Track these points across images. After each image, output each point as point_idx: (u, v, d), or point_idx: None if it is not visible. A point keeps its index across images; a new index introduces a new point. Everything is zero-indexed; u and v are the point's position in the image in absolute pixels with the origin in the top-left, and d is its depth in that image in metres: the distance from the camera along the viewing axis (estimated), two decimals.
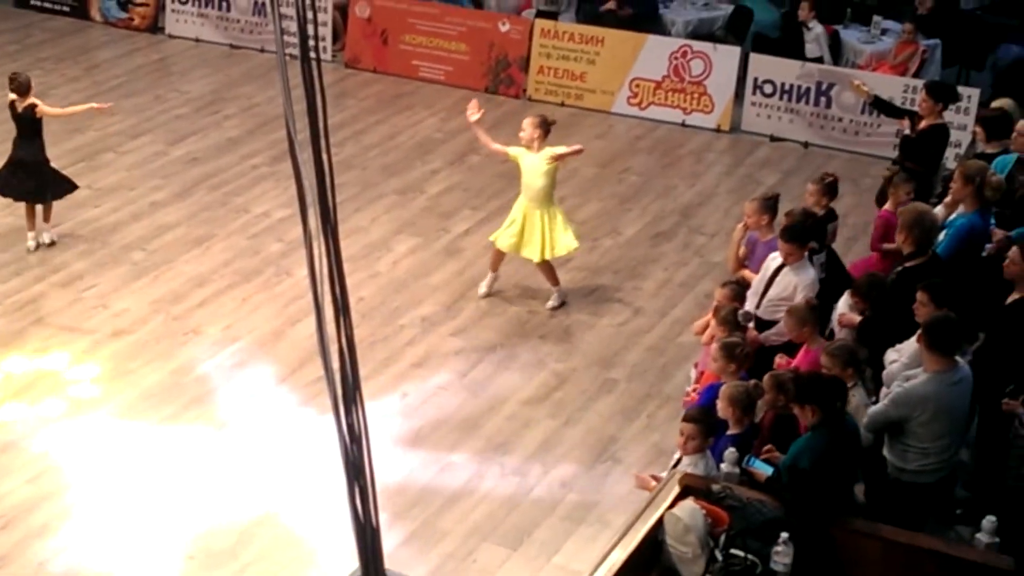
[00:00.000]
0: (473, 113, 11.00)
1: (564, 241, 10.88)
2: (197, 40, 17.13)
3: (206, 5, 17.11)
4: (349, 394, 4.66)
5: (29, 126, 11.44)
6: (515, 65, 15.75)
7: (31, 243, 11.66)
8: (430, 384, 10.09)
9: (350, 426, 4.67)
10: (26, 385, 9.84)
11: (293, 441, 9.34)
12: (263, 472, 9.05)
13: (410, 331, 10.78)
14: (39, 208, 11.70)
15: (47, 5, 17.90)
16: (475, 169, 13.78)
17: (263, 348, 10.47)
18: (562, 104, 15.48)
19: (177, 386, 9.94)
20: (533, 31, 15.66)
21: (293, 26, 4.68)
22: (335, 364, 4.64)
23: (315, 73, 4.52)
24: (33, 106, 11.38)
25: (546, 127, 10.80)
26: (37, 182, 11.55)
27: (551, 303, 11.14)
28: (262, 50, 16.74)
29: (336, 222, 4.67)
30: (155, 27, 17.44)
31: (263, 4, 16.75)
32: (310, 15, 4.61)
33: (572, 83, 15.53)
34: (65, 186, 11.80)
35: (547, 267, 11.05)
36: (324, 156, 4.60)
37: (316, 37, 4.19)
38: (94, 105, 12.09)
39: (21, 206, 11.80)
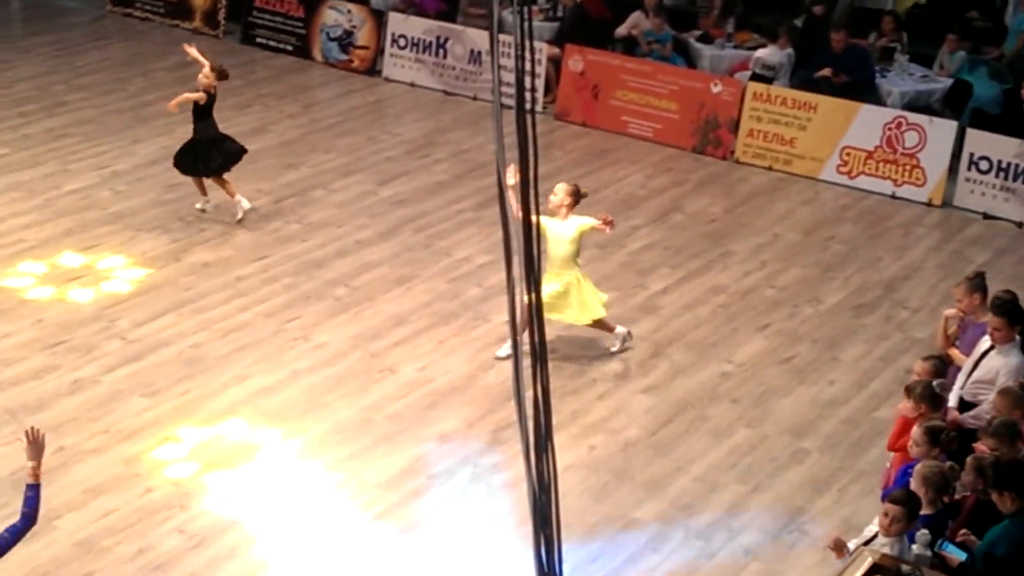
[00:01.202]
0: (511, 178, 10.91)
1: (598, 299, 10.92)
2: (412, 85, 17.50)
3: (423, 51, 17.49)
4: (541, 443, 4.66)
5: (202, 108, 12.85)
6: (724, 127, 15.67)
7: (201, 206, 13.26)
8: (618, 440, 10.04)
9: (539, 475, 4.66)
10: (225, 409, 10.13)
11: (479, 486, 9.39)
12: (448, 514, 9.12)
13: (602, 385, 10.76)
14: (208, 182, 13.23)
15: (272, 43, 18.54)
16: (677, 228, 13.73)
17: (455, 391, 10.57)
18: (769, 168, 15.34)
19: (369, 422, 10.10)
20: (745, 93, 15.56)
21: (508, 76, 4.74)
22: (528, 412, 4.65)
23: (529, 124, 4.57)
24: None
25: (577, 196, 10.74)
26: (214, 158, 12.97)
27: (614, 347, 11.17)
28: (475, 98, 17.03)
29: (540, 272, 4.70)
30: (373, 70, 17.89)
31: (479, 53, 17.04)
32: (528, 67, 4.65)
33: (781, 148, 15.37)
34: (237, 151, 13.11)
35: (600, 324, 11.01)
36: (532, 205, 4.63)
37: (532, 88, 4.22)
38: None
39: (238, 239, 12.61)
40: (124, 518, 8.83)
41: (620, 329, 11.19)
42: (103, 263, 12.21)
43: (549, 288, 10.55)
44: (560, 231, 10.70)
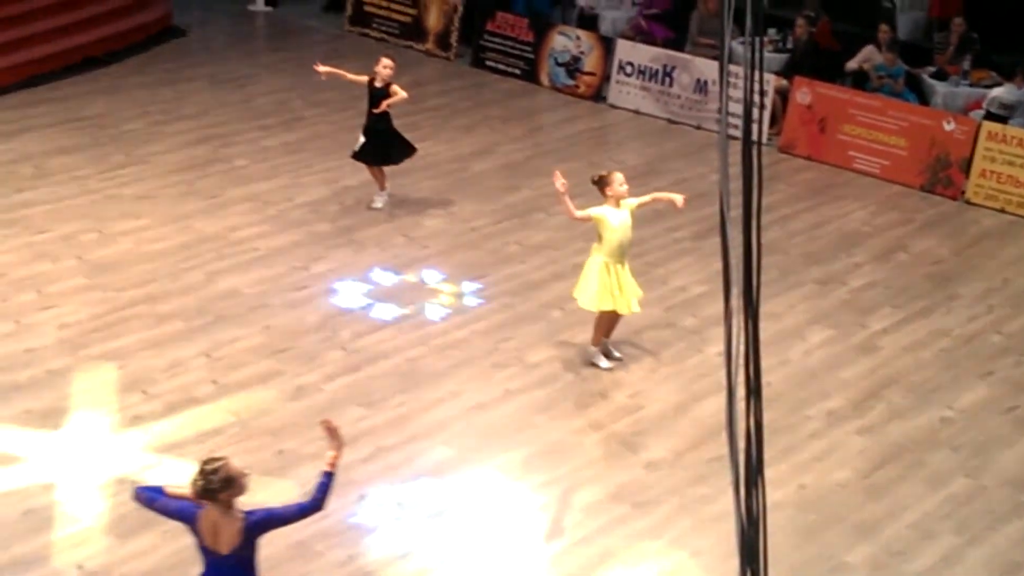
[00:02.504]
0: (560, 181, 10.81)
1: (634, 294, 11.01)
2: (637, 112, 17.55)
3: (650, 79, 17.53)
4: (751, 476, 4.64)
5: (382, 100, 13.62)
6: (956, 166, 15.26)
7: (378, 203, 14.04)
8: (830, 480, 9.85)
9: (748, 508, 4.64)
10: (437, 424, 10.31)
11: (685, 517, 9.33)
12: (651, 544, 9.08)
13: (815, 423, 10.58)
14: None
15: (500, 67, 18.85)
16: (901, 267, 13.42)
17: (665, 420, 10.54)
18: (1002, 210, 14.87)
19: (577, 446, 10.14)
20: (979, 133, 15.13)
21: (734, 107, 4.73)
22: (740, 445, 4.63)
23: (756, 156, 4.56)
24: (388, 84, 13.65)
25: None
26: (394, 150, 13.87)
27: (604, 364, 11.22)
28: (698, 127, 16.98)
29: (758, 304, 4.67)
30: (598, 96, 18.01)
31: (705, 82, 16.99)
32: (756, 98, 4.64)
33: (1016, 190, 14.88)
34: (408, 151, 13.93)
35: (612, 321, 11.07)
36: (754, 238, 4.61)
37: (760, 120, 4.22)
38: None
39: (459, 257, 12.96)
40: (337, 524, 9.05)
41: (603, 361, 11.21)
42: (329, 275, 12.58)
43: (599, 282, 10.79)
44: (624, 219, 10.76)
